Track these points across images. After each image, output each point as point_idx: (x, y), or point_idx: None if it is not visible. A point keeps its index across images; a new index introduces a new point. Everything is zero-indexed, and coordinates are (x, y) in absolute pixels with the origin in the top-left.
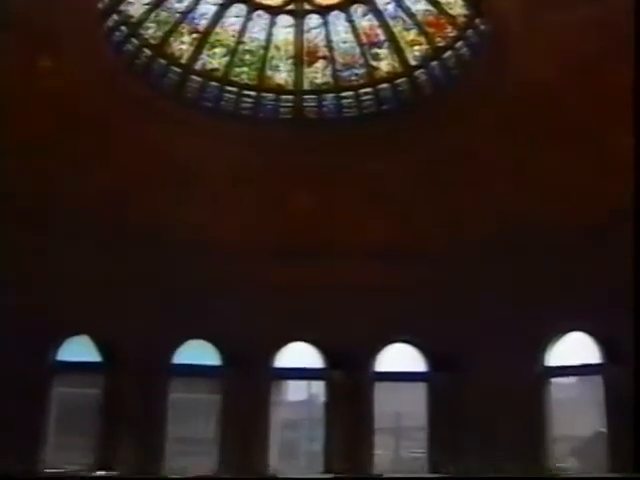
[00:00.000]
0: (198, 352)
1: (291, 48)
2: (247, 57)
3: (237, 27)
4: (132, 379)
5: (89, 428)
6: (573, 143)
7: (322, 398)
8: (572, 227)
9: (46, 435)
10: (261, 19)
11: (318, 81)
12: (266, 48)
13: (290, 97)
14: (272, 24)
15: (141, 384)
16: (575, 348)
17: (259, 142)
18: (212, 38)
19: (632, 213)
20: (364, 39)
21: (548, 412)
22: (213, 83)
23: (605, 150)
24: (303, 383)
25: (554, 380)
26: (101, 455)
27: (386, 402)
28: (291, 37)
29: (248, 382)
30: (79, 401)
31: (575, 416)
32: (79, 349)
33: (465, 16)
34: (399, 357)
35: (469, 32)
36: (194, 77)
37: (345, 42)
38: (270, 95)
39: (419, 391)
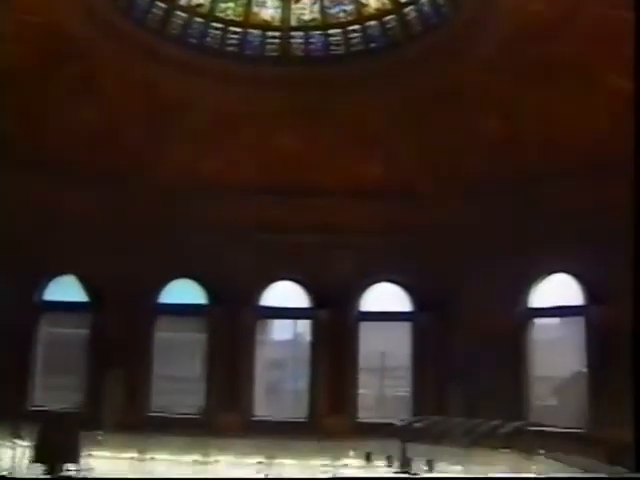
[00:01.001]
0: (184, 291)
1: None
2: None
3: None
4: (119, 318)
5: (76, 367)
6: (559, 80)
7: (307, 337)
8: (556, 168)
9: (34, 374)
10: None
11: (305, 17)
12: None
13: (277, 34)
14: None
15: (127, 323)
16: (558, 290)
17: (245, 79)
18: None
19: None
20: None
21: (530, 352)
22: (198, 19)
23: (591, 88)
24: (289, 322)
25: (537, 321)
26: (88, 393)
27: (371, 341)
28: None
29: (234, 321)
30: (66, 341)
31: (556, 357)
32: (65, 289)
33: None
34: (384, 297)
35: None
36: (179, 13)
37: None
38: (256, 32)
39: (404, 331)
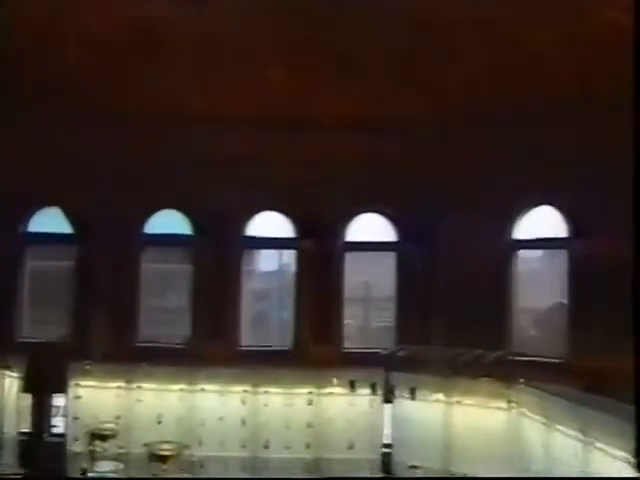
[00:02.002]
0: (169, 222)
1: None
2: None
3: None
4: (104, 250)
5: (63, 300)
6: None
7: (293, 268)
8: (542, 99)
9: (21, 307)
10: None
11: None
12: None
13: None
14: None
15: (113, 255)
16: (543, 222)
17: (231, 11)
18: None
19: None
20: None
21: (514, 284)
22: None
23: (576, 19)
24: (274, 253)
25: (520, 253)
26: (75, 325)
27: (356, 272)
28: None
29: (219, 252)
30: (52, 273)
31: (538, 288)
32: (50, 221)
33: None
34: (369, 227)
35: None
36: None
37: None
38: None
39: (389, 261)
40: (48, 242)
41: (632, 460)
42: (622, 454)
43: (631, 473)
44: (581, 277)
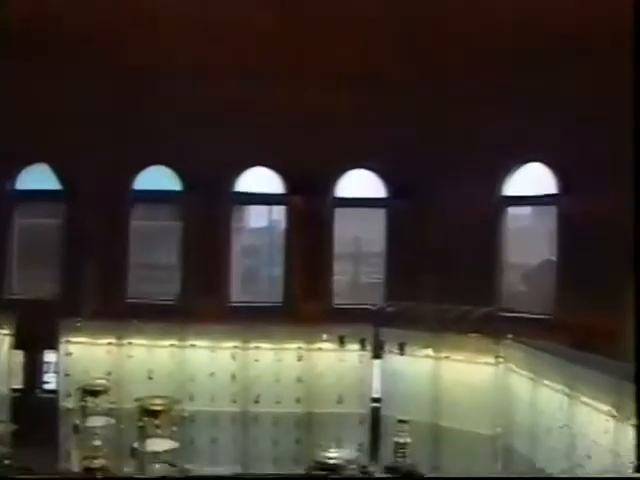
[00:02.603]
0: (158, 178)
1: None
2: None
3: None
4: (93, 207)
5: (52, 257)
6: None
7: (283, 224)
8: (531, 51)
9: (11, 265)
10: None
11: None
12: None
13: None
14: None
15: (102, 212)
16: (533, 179)
17: None
18: None
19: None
20: None
21: (503, 240)
22: None
23: None
24: (264, 210)
25: (510, 210)
26: (65, 283)
27: (346, 228)
28: None
29: (209, 208)
30: (41, 231)
31: (527, 245)
32: (38, 178)
33: None
34: (359, 183)
35: None
36: None
37: None
38: None
39: (379, 218)
40: (36, 199)
41: (615, 414)
42: (606, 408)
43: (613, 426)
44: (570, 234)
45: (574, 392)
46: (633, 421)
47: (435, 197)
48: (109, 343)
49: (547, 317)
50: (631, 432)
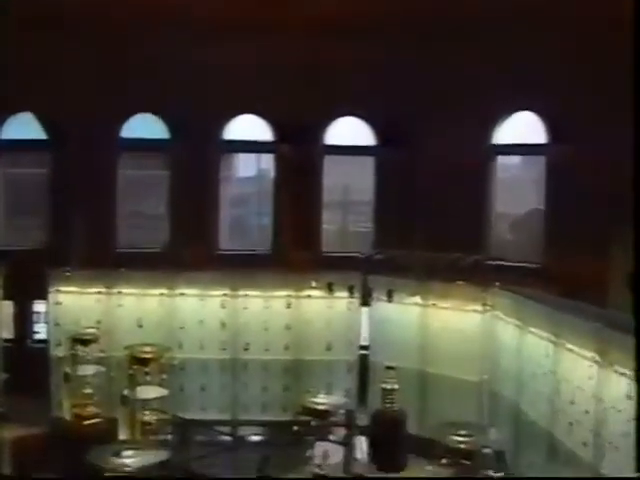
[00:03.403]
0: (146, 126)
1: None
2: None
3: None
4: (80, 156)
5: (40, 207)
6: None
7: (271, 173)
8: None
9: None
10: None
11: None
12: None
13: None
14: None
15: (89, 160)
16: (523, 128)
17: None
18: None
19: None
20: None
21: (493, 189)
22: None
23: None
24: (252, 159)
25: (499, 160)
26: (53, 232)
27: (335, 176)
28: None
29: (197, 156)
30: (27, 181)
31: (516, 195)
32: (23, 127)
33: None
34: (349, 131)
35: None
36: None
37: None
38: None
39: (368, 166)
40: (22, 149)
41: (599, 360)
42: (590, 354)
43: (596, 372)
44: (558, 183)
45: (559, 339)
46: (616, 367)
47: (424, 145)
48: (98, 292)
49: (534, 266)
50: (614, 378)
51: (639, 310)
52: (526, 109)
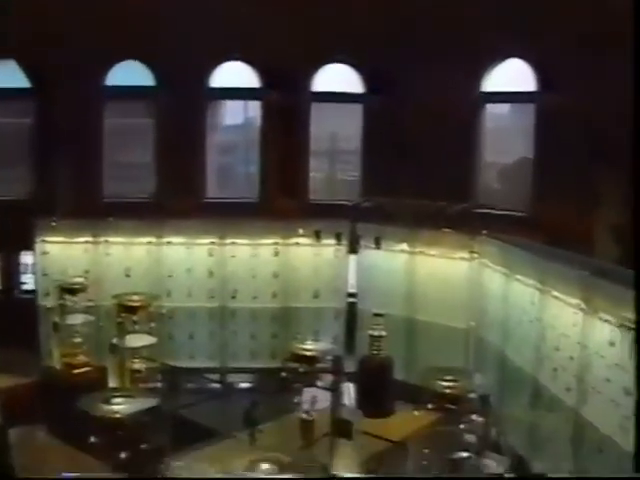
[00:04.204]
0: (131, 74)
1: None
2: None
3: None
4: (64, 105)
5: (24, 157)
6: None
7: (258, 121)
8: None
9: None
10: None
11: None
12: None
13: None
14: None
15: (73, 109)
16: (512, 76)
17: None
18: None
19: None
20: None
21: (481, 137)
22: None
23: None
24: (239, 107)
25: (488, 109)
26: (39, 182)
27: (322, 124)
28: None
29: (183, 104)
30: (10, 131)
31: (505, 144)
32: (6, 75)
33: None
34: (336, 78)
35: None
36: None
37: None
38: None
39: (355, 113)
40: (5, 98)
41: (584, 307)
42: (575, 301)
43: (581, 319)
44: (548, 131)
45: (545, 287)
46: (600, 315)
47: (413, 93)
48: (85, 242)
49: (522, 214)
50: (598, 325)
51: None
52: (516, 56)
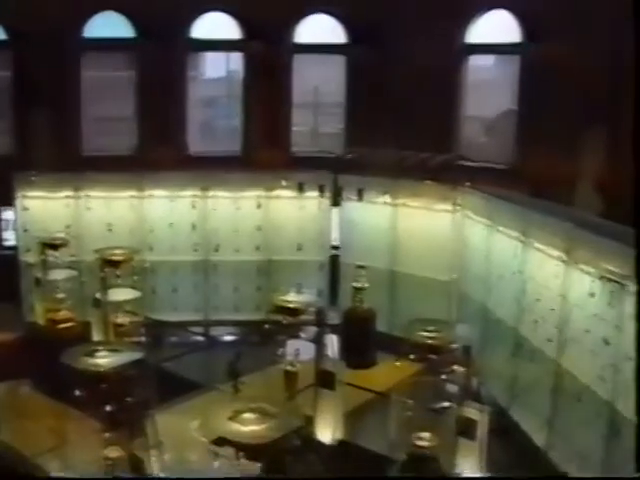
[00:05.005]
0: (110, 25)
1: None
2: None
3: None
4: (42, 57)
5: (2, 111)
6: None
7: (241, 74)
8: None
9: None
10: None
11: None
12: None
13: None
14: None
15: (52, 61)
16: (496, 26)
17: None
18: None
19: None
20: None
21: (465, 89)
22: None
23: None
24: (222, 60)
25: (471, 61)
26: (17, 136)
27: (305, 76)
28: None
29: (164, 55)
30: None
31: (489, 97)
32: None
33: None
34: (319, 29)
35: None
36: None
37: None
38: None
39: (338, 65)
40: None
41: (565, 259)
42: (557, 253)
43: (563, 271)
44: (532, 83)
45: (528, 238)
46: (581, 266)
47: (397, 45)
48: (66, 196)
49: (506, 167)
50: (579, 277)
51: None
52: (501, 7)
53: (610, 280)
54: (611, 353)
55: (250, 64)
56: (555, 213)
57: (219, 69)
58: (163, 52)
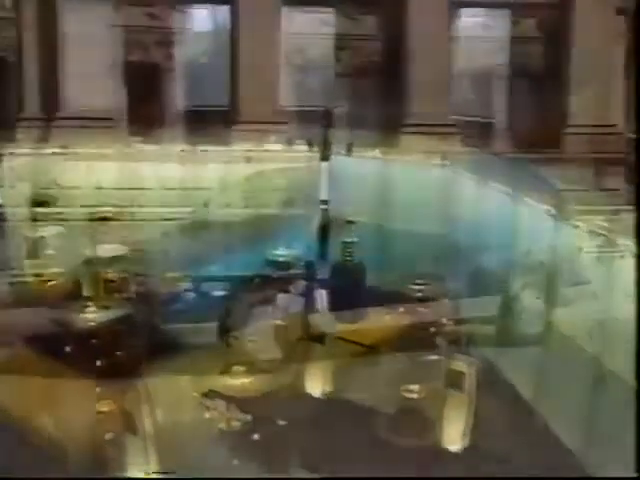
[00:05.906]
0: None
1: None
2: None
3: None
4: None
5: None
6: None
7: (227, 28)
8: None
9: None
10: None
11: None
12: None
13: None
14: None
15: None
16: None
17: None
18: None
19: None
20: None
21: (454, 45)
22: None
23: None
24: (208, 14)
25: (464, 18)
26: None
27: (293, 30)
28: None
29: (149, 9)
30: None
31: (478, 52)
32: None
33: None
34: None
35: None
36: None
37: None
38: None
39: (327, 18)
40: None
41: (553, 212)
42: (544, 207)
43: (551, 224)
44: (521, 39)
45: (517, 193)
46: (570, 221)
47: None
48: (53, 153)
49: (495, 122)
50: (568, 230)
51: None
52: None
53: (599, 234)
54: (600, 308)
55: (237, 16)
56: (542, 168)
57: (206, 23)
58: (148, 6)
